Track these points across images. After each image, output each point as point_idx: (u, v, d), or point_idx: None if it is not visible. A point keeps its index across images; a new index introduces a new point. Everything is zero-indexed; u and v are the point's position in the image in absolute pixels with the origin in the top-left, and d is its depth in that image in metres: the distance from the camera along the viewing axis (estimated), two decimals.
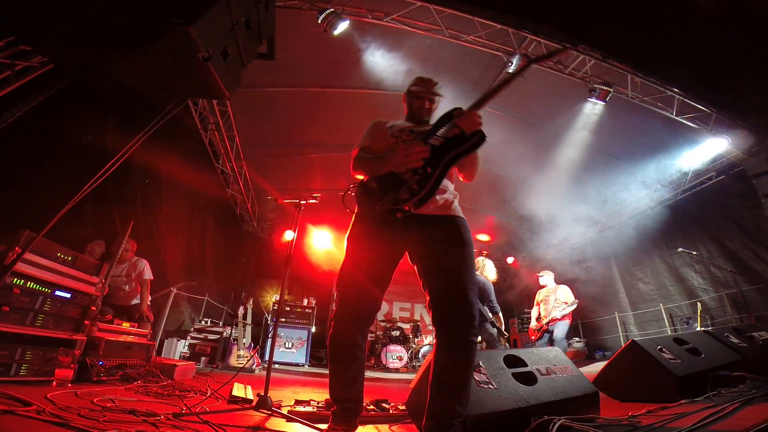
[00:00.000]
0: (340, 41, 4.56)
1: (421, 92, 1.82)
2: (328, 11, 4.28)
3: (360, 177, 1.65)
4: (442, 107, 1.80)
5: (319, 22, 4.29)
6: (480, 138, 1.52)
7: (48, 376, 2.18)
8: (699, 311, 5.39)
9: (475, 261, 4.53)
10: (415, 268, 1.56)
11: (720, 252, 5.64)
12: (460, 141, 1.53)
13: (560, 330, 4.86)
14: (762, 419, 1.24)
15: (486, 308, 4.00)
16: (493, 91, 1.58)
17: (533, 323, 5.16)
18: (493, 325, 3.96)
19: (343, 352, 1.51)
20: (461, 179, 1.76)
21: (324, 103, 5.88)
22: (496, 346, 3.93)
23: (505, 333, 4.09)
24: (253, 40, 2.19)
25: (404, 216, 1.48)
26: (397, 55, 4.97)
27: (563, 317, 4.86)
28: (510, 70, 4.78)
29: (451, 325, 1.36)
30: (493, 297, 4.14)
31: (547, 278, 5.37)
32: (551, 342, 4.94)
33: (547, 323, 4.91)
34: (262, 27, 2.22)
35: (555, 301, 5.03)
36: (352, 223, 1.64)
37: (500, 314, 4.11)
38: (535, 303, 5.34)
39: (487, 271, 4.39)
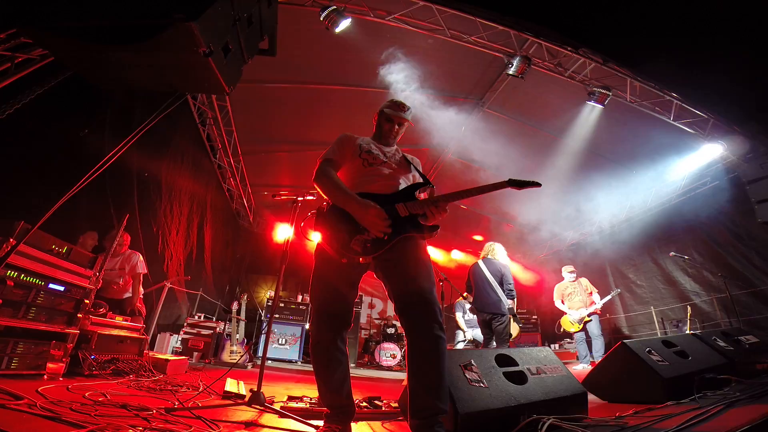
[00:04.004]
0: (342, 39, 4.55)
1: (393, 116, 1.87)
2: (330, 9, 4.27)
3: (319, 190, 1.70)
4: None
5: (321, 19, 4.28)
6: (435, 231, 1.58)
7: (39, 370, 2.18)
8: (689, 315, 5.48)
9: (485, 246, 4.65)
10: (379, 278, 1.61)
11: (712, 256, 5.71)
12: (419, 225, 1.57)
13: (596, 326, 5.15)
14: (744, 421, 1.27)
15: (504, 294, 4.07)
16: (474, 191, 1.60)
17: (573, 316, 5.35)
18: (511, 311, 4.03)
19: (326, 358, 1.55)
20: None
21: (323, 100, 5.86)
22: (507, 338, 3.97)
23: (519, 321, 4.17)
24: (254, 36, 2.18)
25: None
26: (398, 54, 4.97)
27: (595, 310, 5.18)
28: (510, 72, 4.80)
29: (416, 325, 1.41)
30: (511, 280, 4.21)
31: (570, 275, 5.64)
32: (588, 337, 5.23)
33: (589, 315, 5.22)
34: (264, 23, 2.22)
35: (585, 291, 5.33)
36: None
37: (515, 299, 4.23)
38: (558, 298, 5.57)
39: (498, 254, 4.44)
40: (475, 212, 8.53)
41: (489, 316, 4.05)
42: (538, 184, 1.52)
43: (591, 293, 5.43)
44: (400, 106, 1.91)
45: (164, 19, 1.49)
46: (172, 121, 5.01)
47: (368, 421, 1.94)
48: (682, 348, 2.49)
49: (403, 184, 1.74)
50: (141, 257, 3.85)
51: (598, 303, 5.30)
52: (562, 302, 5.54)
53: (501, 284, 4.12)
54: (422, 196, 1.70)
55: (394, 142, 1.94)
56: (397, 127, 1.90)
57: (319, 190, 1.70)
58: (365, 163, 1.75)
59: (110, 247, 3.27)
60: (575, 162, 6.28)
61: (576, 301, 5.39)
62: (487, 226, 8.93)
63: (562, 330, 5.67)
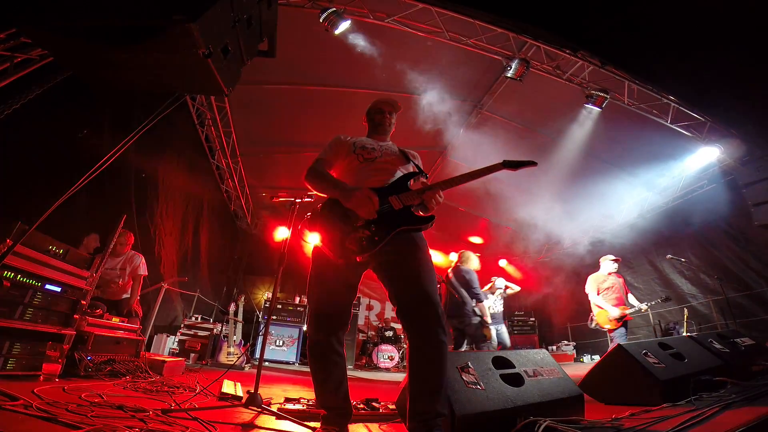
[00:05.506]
0: (341, 41, 4.56)
1: (381, 104, 1.90)
2: (329, 10, 4.29)
3: (309, 187, 1.72)
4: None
5: (321, 21, 4.30)
6: (431, 222, 1.57)
7: (35, 371, 2.16)
8: (686, 317, 5.49)
9: (458, 254, 4.61)
10: (379, 279, 1.59)
11: (708, 259, 5.75)
12: (413, 217, 1.56)
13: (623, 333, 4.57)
14: (739, 423, 1.28)
15: (468, 296, 4.07)
16: (467, 176, 1.60)
17: (613, 313, 4.58)
18: (475, 314, 4.01)
19: (322, 359, 1.55)
20: None
21: (322, 101, 5.88)
22: (481, 341, 3.95)
23: (488, 322, 4.07)
24: (254, 38, 2.19)
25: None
26: (396, 55, 4.99)
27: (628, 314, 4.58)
28: (508, 75, 4.82)
29: (419, 328, 1.40)
30: (476, 285, 4.20)
31: (611, 265, 5.00)
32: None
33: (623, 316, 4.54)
34: (264, 25, 2.22)
35: (623, 289, 4.78)
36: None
37: (483, 302, 4.09)
38: (593, 290, 4.83)
39: (468, 262, 4.45)
40: (473, 214, 8.54)
41: (457, 322, 4.07)
42: (534, 164, 1.51)
43: (628, 292, 4.84)
44: (383, 100, 1.94)
45: (164, 20, 1.50)
46: (171, 122, 5.00)
47: (365, 423, 1.93)
48: (679, 350, 2.50)
49: (399, 175, 1.74)
50: (143, 259, 3.83)
51: (635, 306, 4.63)
52: (598, 294, 4.84)
53: (466, 288, 4.12)
54: (417, 186, 1.69)
55: (389, 131, 1.94)
56: (388, 114, 1.91)
57: (309, 185, 1.71)
58: (360, 158, 1.75)
59: (108, 247, 3.25)
60: (573, 164, 6.30)
61: (612, 298, 4.72)
62: (485, 228, 8.95)
63: (594, 324, 4.93)
